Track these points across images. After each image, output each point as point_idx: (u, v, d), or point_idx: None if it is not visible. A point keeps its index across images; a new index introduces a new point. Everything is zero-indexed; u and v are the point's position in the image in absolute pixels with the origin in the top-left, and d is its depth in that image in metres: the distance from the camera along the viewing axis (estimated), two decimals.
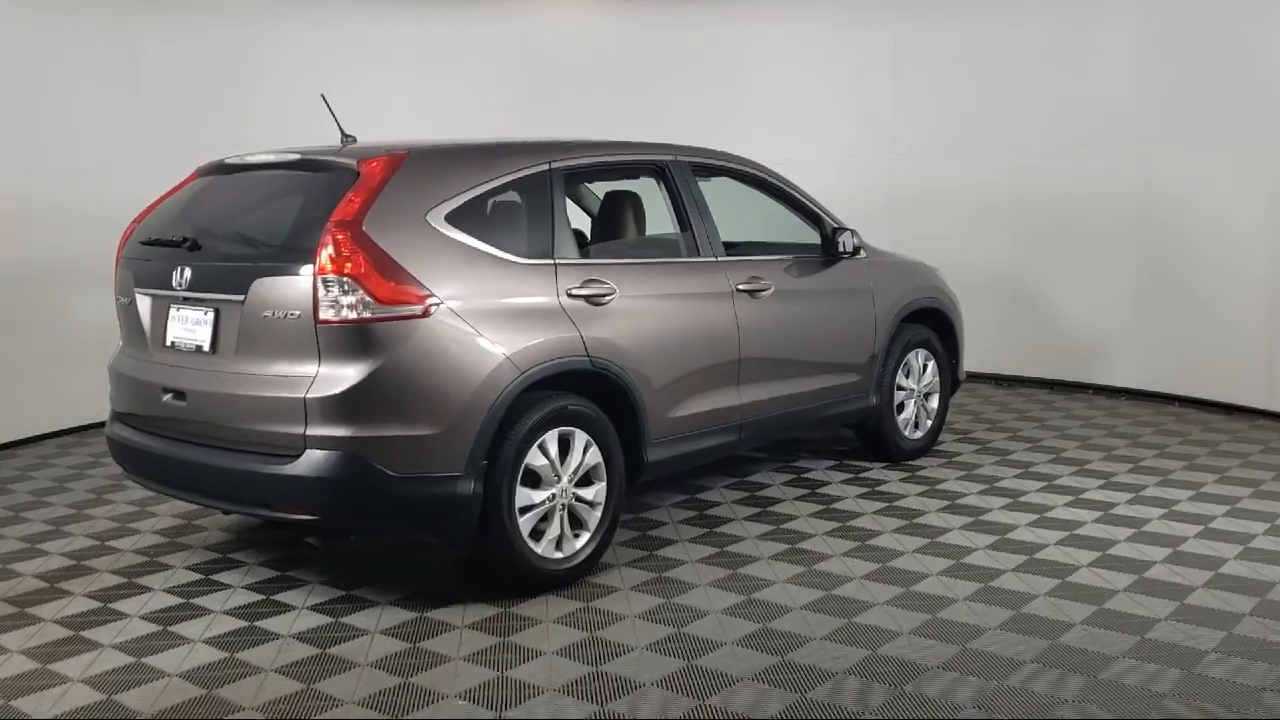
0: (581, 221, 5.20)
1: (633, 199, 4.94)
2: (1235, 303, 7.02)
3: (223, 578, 4.31)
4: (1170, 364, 7.42)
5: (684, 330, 4.55)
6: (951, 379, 6.28)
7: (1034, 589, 4.05)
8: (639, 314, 4.36)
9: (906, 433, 5.93)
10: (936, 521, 4.88)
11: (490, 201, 4.13)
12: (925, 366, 6.04)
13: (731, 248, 5.58)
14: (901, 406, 5.91)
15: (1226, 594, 3.96)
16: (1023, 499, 5.19)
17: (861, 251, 5.64)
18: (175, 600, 4.09)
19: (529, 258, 4.09)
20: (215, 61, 7.43)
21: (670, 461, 4.55)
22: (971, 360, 8.27)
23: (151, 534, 4.88)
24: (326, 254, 3.59)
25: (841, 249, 5.36)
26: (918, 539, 4.63)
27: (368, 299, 3.59)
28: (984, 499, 5.21)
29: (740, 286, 4.83)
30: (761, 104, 8.78)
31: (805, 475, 5.68)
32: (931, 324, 6.08)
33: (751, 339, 4.84)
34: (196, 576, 4.33)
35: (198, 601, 4.07)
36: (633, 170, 5.03)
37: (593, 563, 4.22)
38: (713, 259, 4.80)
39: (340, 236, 3.60)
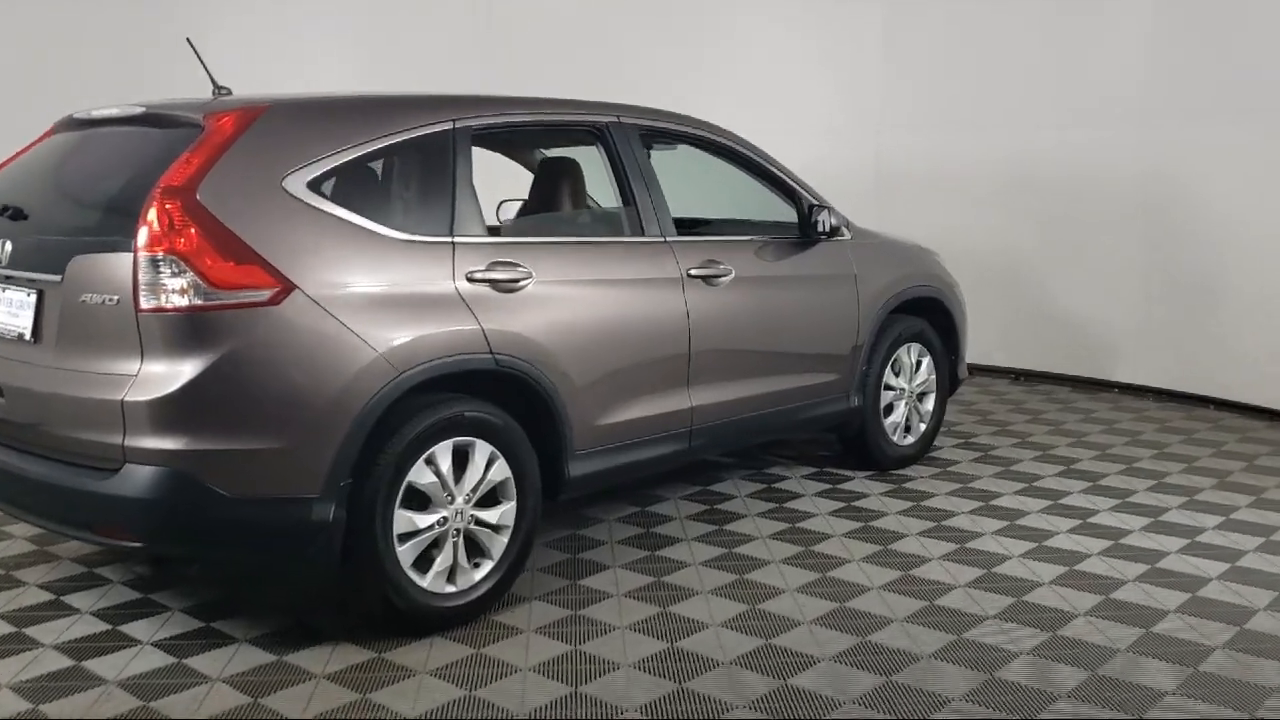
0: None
1: (569, 167, 4.27)
2: (1275, 292, 6.26)
3: (75, 599, 3.72)
4: (1204, 361, 6.65)
5: (619, 322, 3.89)
6: (950, 377, 5.57)
7: (1017, 645, 3.36)
8: (561, 303, 3.70)
9: (895, 438, 5.24)
10: (914, 548, 4.19)
11: (370, 166, 3.49)
12: (919, 363, 5.33)
13: (692, 227, 4.94)
14: (890, 408, 5.22)
15: (1249, 657, 3.27)
16: (1020, 522, 4.49)
17: (846, 232, 4.94)
18: (4, 629, 3.50)
19: (419, 235, 3.43)
20: None
21: (600, 476, 3.89)
22: (987, 353, 7.57)
23: (23, 540, 4.31)
24: (150, 227, 2.96)
25: (820, 229, 4.66)
26: (888, 571, 3.95)
27: (200, 283, 2.95)
28: (975, 520, 4.51)
29: (693, 271, 4.15)
30: (744, 72, 8.08)
31: (777, 485, 5.01)
32: (927, 315, 5.37)
33: (705, 332, 4.17)
34: (48, 597, 3.75)
35: (30, 631, 3.48)
36: (563, 133, 4.36)
37: (496, 597, 3.57)
38: (659, 239, 4.12)
39: (168, 206, 2.96)
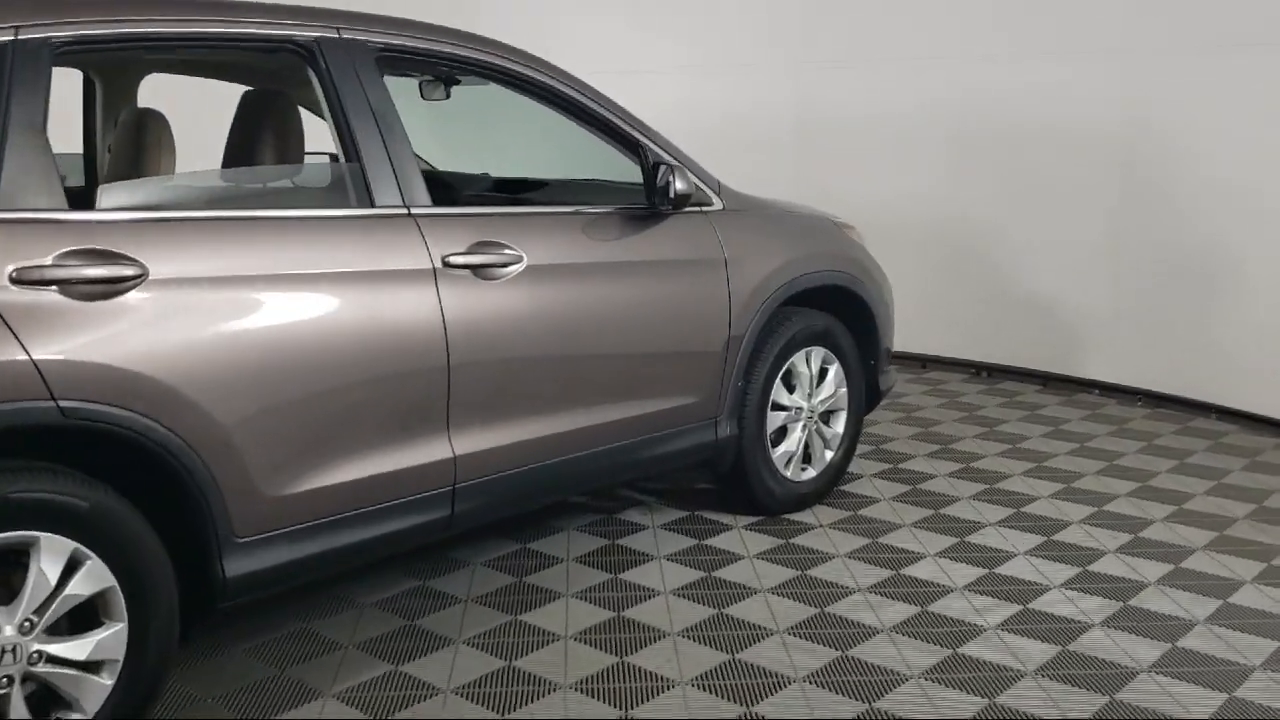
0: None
1: (263, 106, 2.98)
2: None
3: None
4: (1203, 360, 5.34)
5: (311, 340, 2.59)
6: (868, 389, 4.29)
7: None
8: (200, 313, 2.39)
9: (789, 472, 3.96)
10: (772, 655, 2.93)
11: None
12: (823, 373, 4.05)
13: (492, 192, 3.66)
14: (782, 434, 3.95)
15: None
16: (939, 604, 3.22)
17: (716, 200, 3.64)
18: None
19: None
20: None
21: (285, 571, 2.61)
22: (944, 342, 6.28)
23: None
24: None
25: (670, 194, 3.36)
26: (727, 704, 2.70)
27: None
28: (877, 601, 3.24)
29: (454, 259, 2.85)
30: None
31: (625, 539, 3.74)
32: (836, 310, 4.08)
33: (475, 349, 2.88)
34: None
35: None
36: (239, 52, 3.06)
37: None
38: (398, 209, 2.82)
39: None
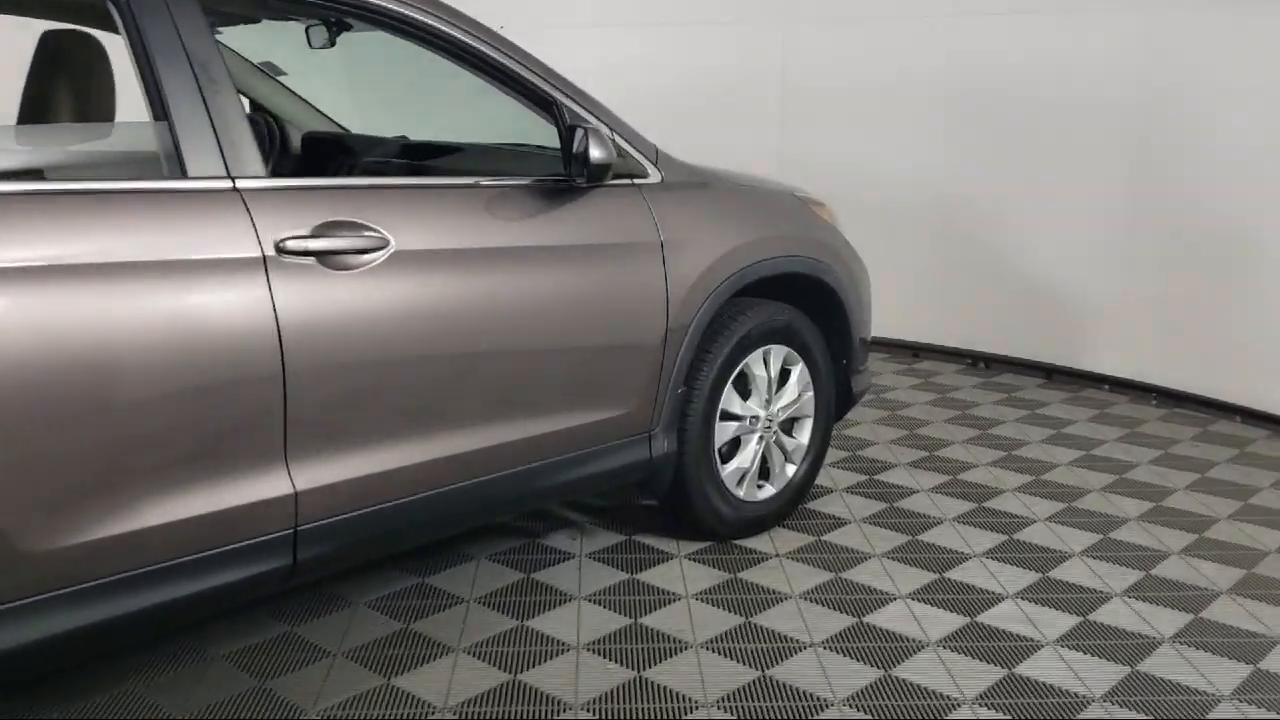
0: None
1: (64, 50, 2.38)
2: None
3: None
4: (1227, 355, 4.73)
5: (96, 347, 2.00)
6: (841, 392, 3.70)
7: None
8: None
9: (742, 491, 3.38)
10: None
11: None
12: (785, 376, 3.46)
13: (398, 159, 3.08)
14: (735, 446, 3.37)
15: None
16: (909, 666, 2.63)
17: (652, 170, 3.04)
18: None
19: None
20: None
21: (41, 652, 2.06)
22: (939, 329, 5.70)
23: None
24: None
25: (587, 162, 2.74)
26: None
27: None
28: (833, 663, 2.66)
29: (292, 243, 2.25)
30: None
31: (544, 571, 3.17)
32: (801, 301, 3.49)
33: (319, 357, 2.29)
34: None
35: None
36: None
37: None
38: (219, 182, 2.22)
39: None
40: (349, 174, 3.47)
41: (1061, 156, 5.09)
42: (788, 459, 3.50)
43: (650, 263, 2.96)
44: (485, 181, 2.73)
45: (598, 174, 2.74)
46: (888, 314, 5.58)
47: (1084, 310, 5.18)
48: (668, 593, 3.05)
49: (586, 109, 2.87)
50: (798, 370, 3.46)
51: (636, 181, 2.99)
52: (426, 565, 3.18)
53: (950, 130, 5.43)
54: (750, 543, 3.39)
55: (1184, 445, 4.39)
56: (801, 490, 3.56)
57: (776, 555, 3.30)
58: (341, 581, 3.06)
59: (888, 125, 5.58)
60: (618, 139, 2.91)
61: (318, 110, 3.97)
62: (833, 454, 4.15)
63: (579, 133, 2.74)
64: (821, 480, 3.86)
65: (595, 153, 2.70)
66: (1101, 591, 3.08)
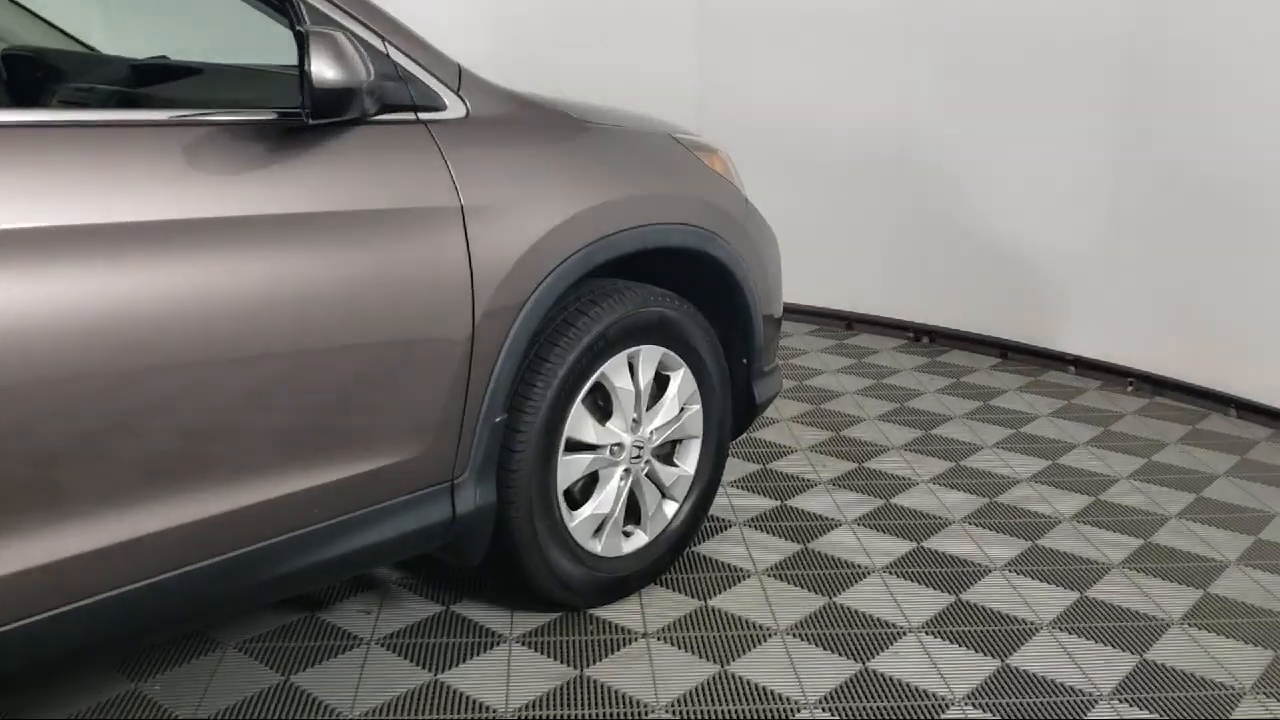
0: None
1: None
2: None
3: None
4: (1221, 335, 3.90)
5: None
6: (741, 402, 2.81)
7: None
8: None
9: (599, 544, 2.47)
10: None
11: None
12: (663, 385, 2.56)
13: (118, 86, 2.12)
14: (592, 484, 2.47)
15: None
16: None
17: (453, 103, 2.09)
18: None
19: None
20: None
21: None
22: (876, 299, 4.85)
23: None
24: None
25: (311, 85, 1.79)
26: None
27: None
28: None
29: None
30: None
31: (310, 672, 2.26)
32: (682, 284, 2.58)
33: None
34: None
35: None
36: None
37: None
38: None
39: None
40: (50, 104, 2.49)
41: (1033, 97, 4.18)
42: (666, 495, 2.61)
43: (442, 236, 2.01)
44: (160, 116, 1.77)
45: (329, 104, 1.78)
46: (817, 280, 4.71)
47: (1049, 279, 4.31)
48: (484, 710, 2.16)
49: (342, 8, 1.90)
50: (679, 378, 2.55)
51: (424, 117, 2.04)
52: (143, 660, 2.26)
53: (898, 61, 4.49)
54: (611, 612, 2.50)
55: (1170, 450, 3.56)
56: (685, 534, 2.67)
57: (644, 636, 2.42)
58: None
59: (827, 56, 4.63)
60: (392, 52, 1.95)
61: (47, 23, 2.96)
62: (734, 468, 3.27)
63: (324, 47, 1.77)
64: (720, 509, 2.98)
65: (324, 71, 1.74)
66: (1082, 692, 2.24)
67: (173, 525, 1.72)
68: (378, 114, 1.93)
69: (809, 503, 3.09)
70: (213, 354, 1.73)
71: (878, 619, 2.48)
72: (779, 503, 3.09)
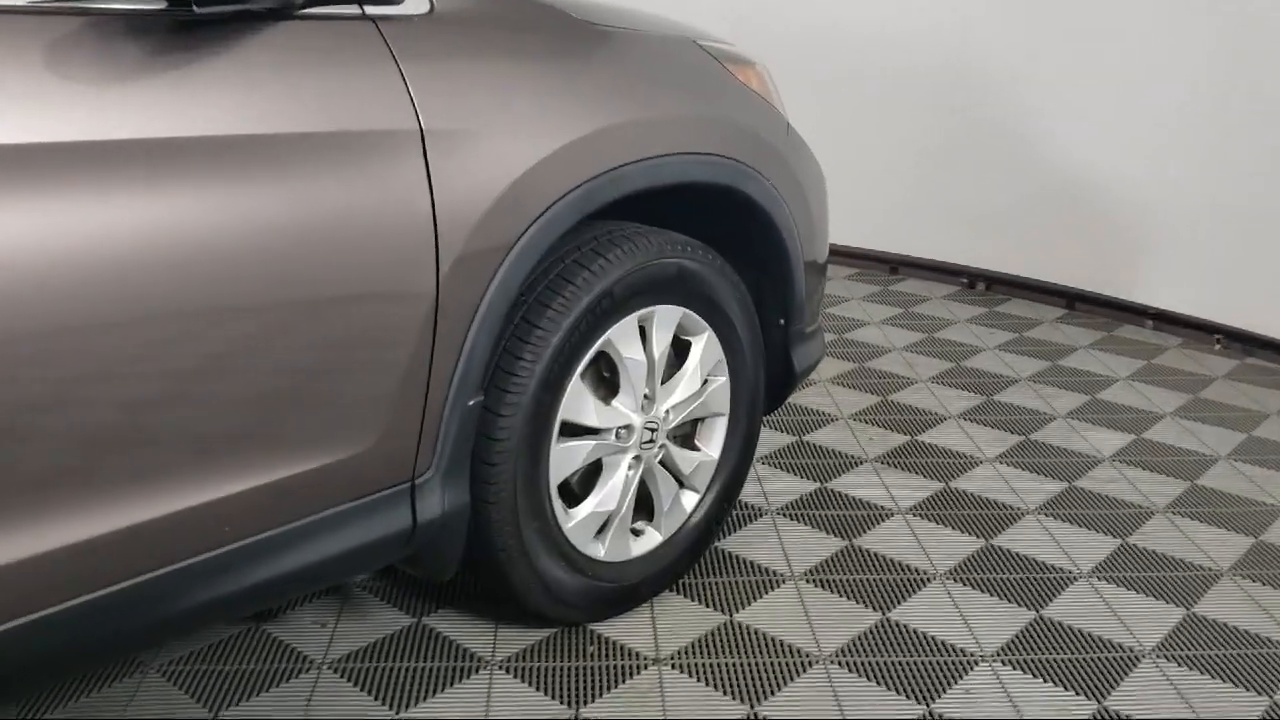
0: None
1: None
2: None
3: None
4: None
5: None
6: (778, 373, 2.34)
7: None
8: None
9: (602, 548, 2.01)
10: None
11: None
12: (682, 352, 2.09)
13: None
14: (593, 477, 2.01)
15: None
16: None
17: None
18: None
19: None
20: None
21: None
22: (927, 241, 4.36)
23: None
24: None
25: None
26: None
27: None
28: None
29: None
30: None
31: (252, 701, 1.84)
32: (707, 229, 2.10)
33: None
34: None
35: None
36: None
37: None
38: None
39: None
40: None
41: (1106, 18, 3.63)
42: (684, 484, 2.16)
43: (395, 168, 1.53)
44: (50, 7, 1.29)
45: None
46: (858, 219, 4.19)
47: (1126, 221, 3.79)
48: None
49: None
50: (701, 344, 2.08)
51: (372, 11, 1.55)
52: (61, 688, 1.85)
53: None
54: (617, 629, 2.06)
55: (1273, 421, 3.07)
56: (707, 531, 2.22)
57: (656, 661, 1.98)
58: None
59: None
60: None
61: None
62: (764, 440, 2.82)
63: None
64: (745, 492, 2.53)
65: None
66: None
67: (28, 555, 1.28)
68: (306, 5, 1.45)
69: (854, 486, 2.63)
70: (71, 324, 1.28)
71: (946, 644, 2.03)
72: (818, 484, 2.63)
